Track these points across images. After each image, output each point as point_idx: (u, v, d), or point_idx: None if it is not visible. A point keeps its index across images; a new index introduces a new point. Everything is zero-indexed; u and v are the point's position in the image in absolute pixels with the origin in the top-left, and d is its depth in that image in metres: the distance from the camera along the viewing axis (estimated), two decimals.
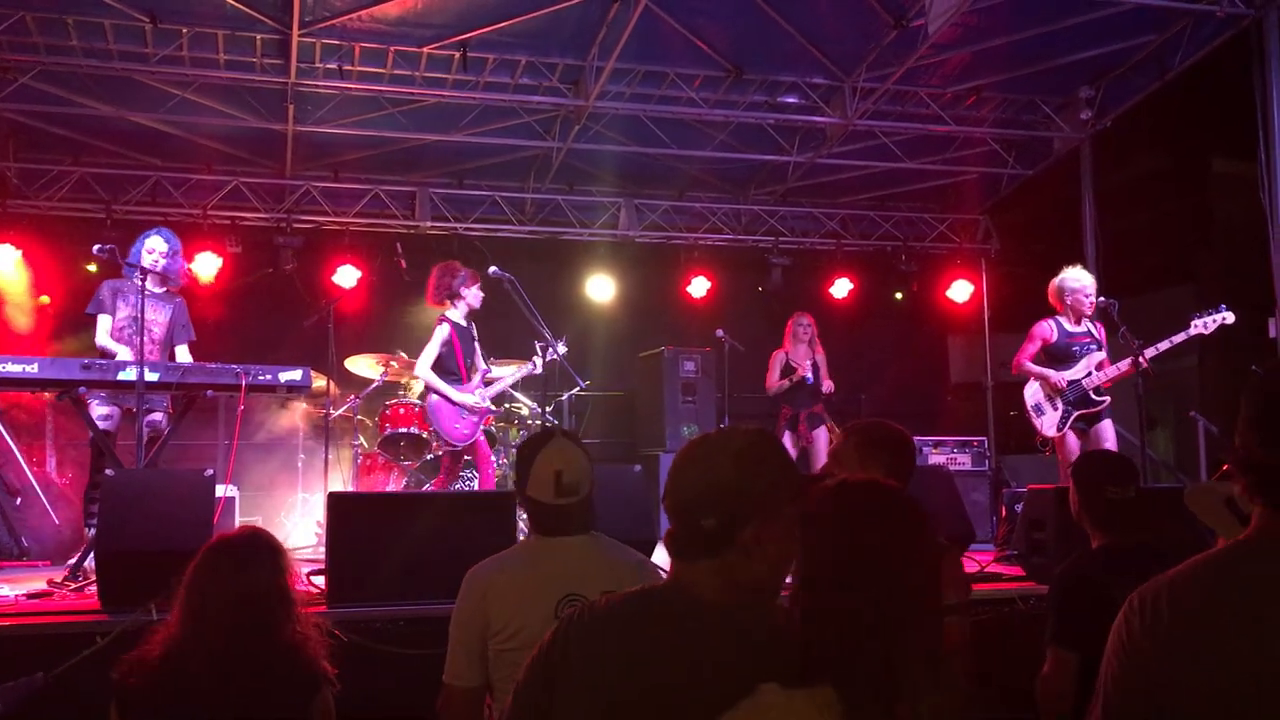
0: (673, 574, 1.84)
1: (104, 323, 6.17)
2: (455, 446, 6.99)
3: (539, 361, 7.04)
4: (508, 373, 7.40)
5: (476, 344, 7.21)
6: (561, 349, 7.08)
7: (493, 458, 7.20)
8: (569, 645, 1.81)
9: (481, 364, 7.20)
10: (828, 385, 8.62)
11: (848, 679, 1.47)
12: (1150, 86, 8.69)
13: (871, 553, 1.54)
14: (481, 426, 7.10)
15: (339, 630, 2.83)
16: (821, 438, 8.56)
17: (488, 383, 7.21)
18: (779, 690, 1.51)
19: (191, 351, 6.45)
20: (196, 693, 2.39)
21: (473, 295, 7.07)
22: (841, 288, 10.83)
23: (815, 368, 8.61)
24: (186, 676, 2.41)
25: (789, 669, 1.54)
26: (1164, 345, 6.52)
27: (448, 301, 7.07)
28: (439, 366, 7.01)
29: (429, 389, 7.00)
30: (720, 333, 8.81)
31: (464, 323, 7.12)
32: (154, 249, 6.23)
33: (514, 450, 7.61)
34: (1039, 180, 10.31)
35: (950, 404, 11.55)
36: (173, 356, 6.34)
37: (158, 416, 6.05)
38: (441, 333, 7.01)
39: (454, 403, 6.94)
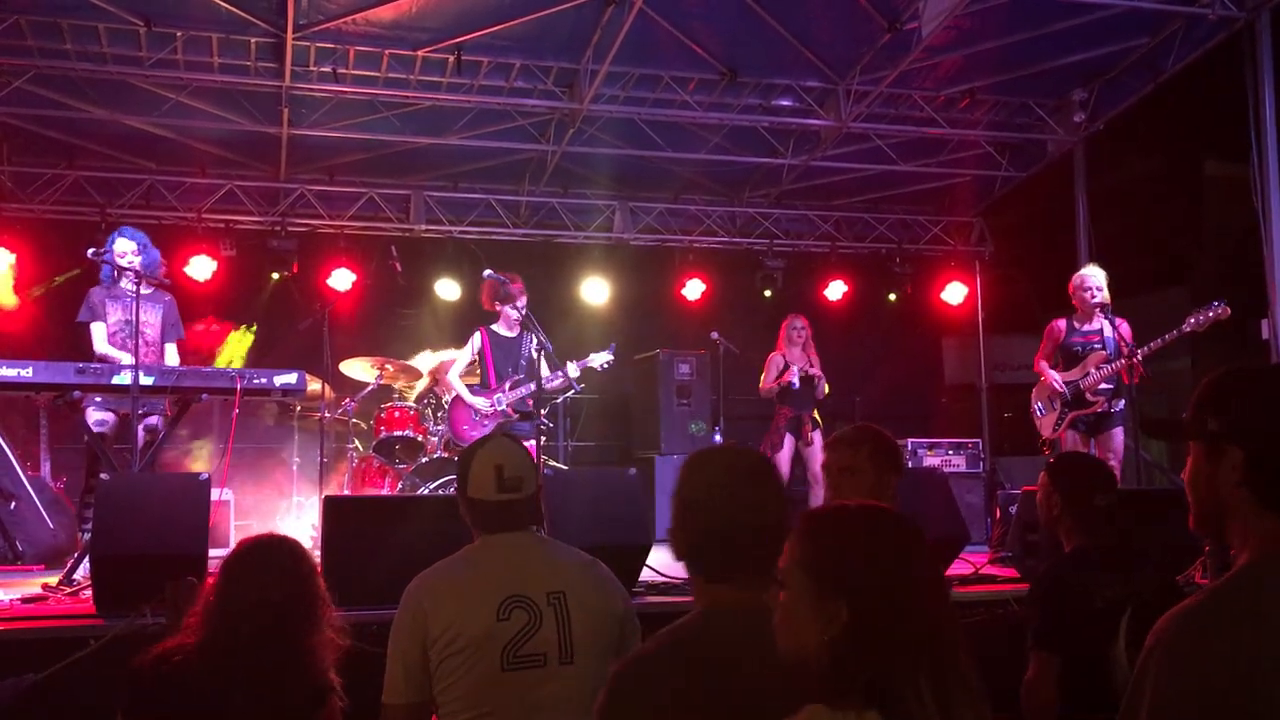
0: (740, 600, 1.86)
1: (99, 330, 6.12)
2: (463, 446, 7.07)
3: (572, 369, 6.94)
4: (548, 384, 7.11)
5: (526, 357, 7.02)
6: (607, 358, 7.01)
7: None
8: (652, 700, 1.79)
9: (528, 375, 6.93)
10: (820, 384, 8.59)
11: (895, 702, 1.48)
12: (1143, 89, 8.72)
13: (910, 575, 1.57)
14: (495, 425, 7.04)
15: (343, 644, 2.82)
16: (818, 441, 8.57)
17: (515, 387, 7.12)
18: (825, 712, 1.52)
19: (180, 350, 6.42)
20: (202, 694, 2.38)
21: (511, 314, 7.01)
22: (836, 290, 10.84)
23: (806, 374, 8.60)
24: (195, 677, 2.40)
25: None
26: (1156, 344, 6.52)
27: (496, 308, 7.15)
28: (470, 372, 7.13)
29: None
30: (715, 335, 8.81)
31: (506, 332, 7.15)
32: (124, 251, 6.17)
33: None
34: (1033, 183, 10.33)
35: (944, 406, 11.58)
36: (164, 357, 6.32)
37: (155, 420, 6.04)
38: (474, 342, 7.17)
39: (466, 405, 7.03)
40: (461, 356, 7.19)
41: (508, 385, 7.04)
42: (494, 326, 7.19)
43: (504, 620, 2.48)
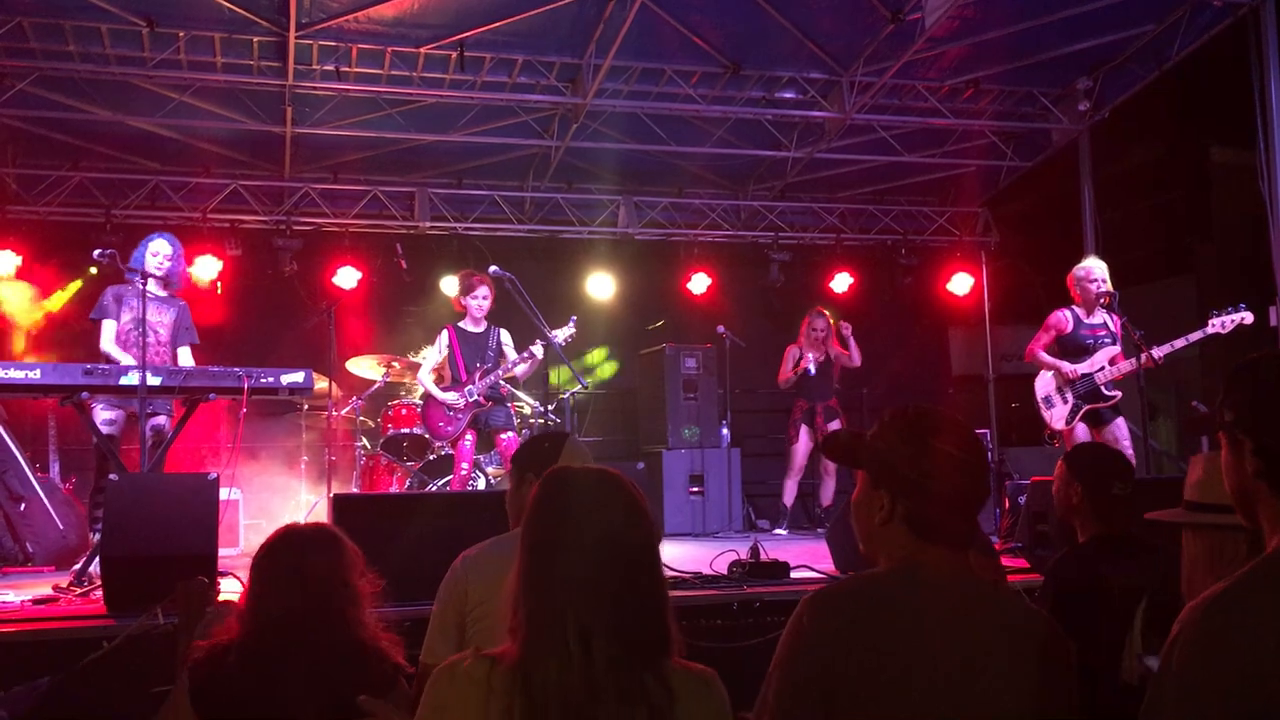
0: (947, 561, 1.88)
1: (108, 328, 6.17)
2: (441, 443, 7.25)
3: (537, 349, 6.98)
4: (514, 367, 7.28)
5: (495, 349, 7.21)
6: (569, 331, 7.03)
7: (466, 463, 7.14)
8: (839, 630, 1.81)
9: (496, 365, 7.14)
10: (855, 356, 8.60)
11: (536, 641, 1.73)
12: (1148, 77, 8.69)
13: (570, 518, 1.80)
14: (469, 417, 7.09)
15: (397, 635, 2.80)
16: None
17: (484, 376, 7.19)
18: (458, 662, 1.77)
19: (194, 355, 6.46)
20: (265, 682, 2.36)
21: (472, 305, 7.13)
22: (841, 282, 10.81)
23: (828, 362, 8.63)
24: (254, 664, 2.38)
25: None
26: (1180, 343, 6.47)
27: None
28: (441, 369, 7.20)
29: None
30: (721, 329, 8.80)
31: (472, 328, 7.20)
32: (159, 251, 6.29)
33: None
34: (1038, 172, 10.31)
35: (952, 397, 11.55)
36: (175, 359, 6.36)
37: (161, 420, 6.07)
38: (441, 339, 7.23)
39: (439, 402, 7.08)
40: (430, 355, 7.27)
41: (478, 376, 7.10)
42: (461, 324, 7.26)
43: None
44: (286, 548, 2.54)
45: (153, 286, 6.13)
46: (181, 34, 7.67)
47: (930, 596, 1.83)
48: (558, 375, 8.34)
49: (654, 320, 10.66)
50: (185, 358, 6.39)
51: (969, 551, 1.92)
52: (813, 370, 8.50)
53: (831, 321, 8.83)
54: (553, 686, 1.66)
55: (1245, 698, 1.45)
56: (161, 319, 6.30)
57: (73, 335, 8.13)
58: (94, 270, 8.58)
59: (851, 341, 8.61)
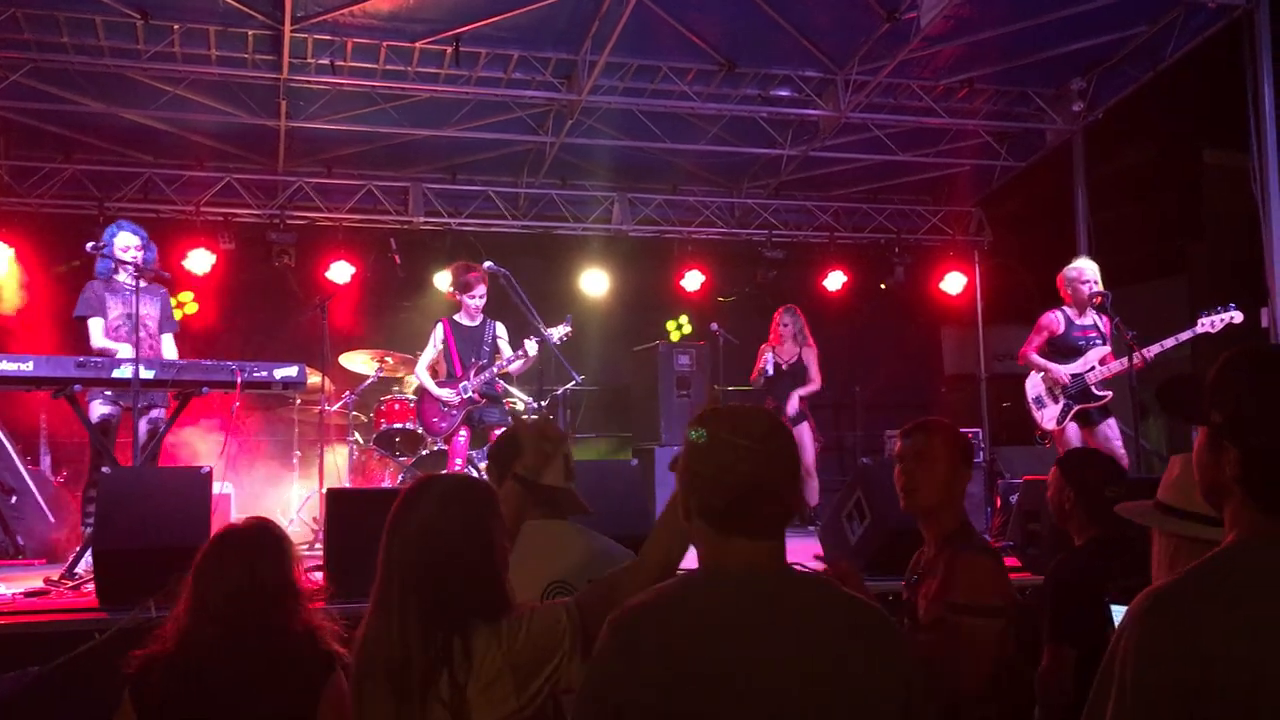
0: (748, 554, 1.82)
1: (96, 325, 6.11)
2: (434, 438, 7.24)
3: (531, 346, 6.98)
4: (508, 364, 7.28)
5: (490, 343, 7.20)
6: (565, 330, 7.05)
7: (460, 459, 7.13)
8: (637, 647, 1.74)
9: (491, 361, 7.13)
10: (814, 384, 8.57)
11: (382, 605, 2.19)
12: (1142, 78, 8.71)
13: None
14: (462, 414, 7.10)
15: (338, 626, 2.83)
16: (804, 433, 8.56)
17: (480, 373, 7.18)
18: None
19: (176, 342, 6.44)
20: (207, 682, 2.38)
21: (470, 304, 7.11)
22: (835, 280, 10.83)
23: (799, 362, 8.62)
24: (196, 666, 2.40)
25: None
26: (1169, 343, 6.49)
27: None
28: (436, 364, 7.18)
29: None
30: (715, 327, 8.80)
31: (468, 322, 7.19)
32: (128, 245, 6.20)
33: None
34: (1031, 172, 10.33)
35: (944, 396, 11.58)
36: (161, 349, 6.34)
37: (159, 413, 6.05)
38: (436, 334, 7.20)
39: (434, 397, 7.09)
40: (426, 350, 7.25)
41: (473, 373, 7.09)
42: (456, 317, 7.24)
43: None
44: (223, 551, 2.53)
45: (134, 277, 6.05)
46: (176, 27, 7.66)
47: (737, 599, 1.75)
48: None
49: (651, 316, 10.67)
50: (169, 345, 6.37)
51: (777, 543, 1.85)
52: (769, 370, 8.51)
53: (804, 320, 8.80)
54: (378, 646, 2.05)
55: (1184, 682, 1.47)
56: (150, 311, 6.27)
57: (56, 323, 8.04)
58: (77, 262, 8.52)
59: (812, 367, 8.55)
